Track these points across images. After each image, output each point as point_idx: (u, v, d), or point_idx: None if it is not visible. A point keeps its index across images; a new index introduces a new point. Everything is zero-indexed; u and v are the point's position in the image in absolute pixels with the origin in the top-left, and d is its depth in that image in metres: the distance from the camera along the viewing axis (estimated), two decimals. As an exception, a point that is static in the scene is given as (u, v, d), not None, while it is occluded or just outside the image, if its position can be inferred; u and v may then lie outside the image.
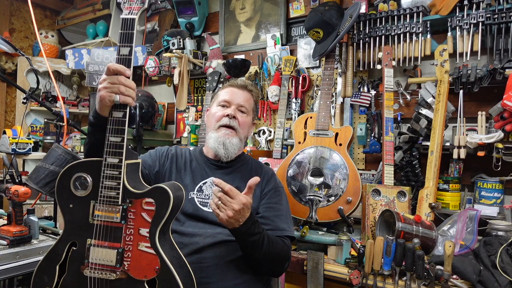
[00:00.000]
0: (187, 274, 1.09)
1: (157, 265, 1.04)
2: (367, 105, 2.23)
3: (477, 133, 1.82)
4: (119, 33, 1.10)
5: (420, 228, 1.52)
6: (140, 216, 1.07)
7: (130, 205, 1.07)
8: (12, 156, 2.42)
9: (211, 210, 1.36)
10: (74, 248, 1.09)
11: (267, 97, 2.61)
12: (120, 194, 1.07)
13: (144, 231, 1.06)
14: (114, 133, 1.08)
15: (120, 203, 1.07)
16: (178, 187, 1.14)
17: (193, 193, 1.41)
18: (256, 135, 2.68)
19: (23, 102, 2.01)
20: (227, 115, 1.45)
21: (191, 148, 1.60)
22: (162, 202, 1.06)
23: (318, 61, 2.45)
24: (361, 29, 2.18)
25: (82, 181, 1.10)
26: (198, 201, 1.40)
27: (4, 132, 2.96)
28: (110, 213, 1.07)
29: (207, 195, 1.41)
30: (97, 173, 1.08)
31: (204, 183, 1.44)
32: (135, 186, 1.09)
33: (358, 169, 1.96)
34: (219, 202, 1.17)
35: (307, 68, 2.52)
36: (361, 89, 2.29)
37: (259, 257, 1.27)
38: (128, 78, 1.09)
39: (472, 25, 1.83)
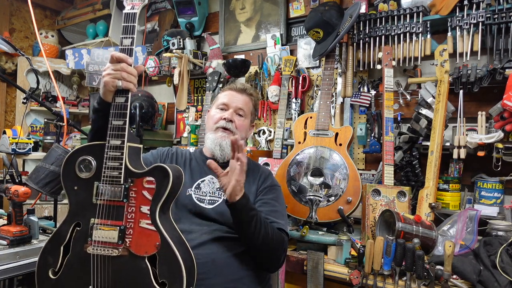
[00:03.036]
0: (187, 252, 1.12)
1: (157, 241, 1.08)
2: (367, 105, 2.23)
3: (477, 133, 1.81)
4: (122, 26, 1.18)
5: (420, 228, 1.52)
6: (141, 194, 1.12)
7: (131, 184, 1.12)
8: (12, 156, 2.42)
9: (208, 206, 1.40)
10: (78, 229, 1.14)
11: (267, 97, 2.61)
12: (122, 173, 1.12)
13: (145, 209, 1.11)
14: (116, 117, 1.14)
15: (122, 182, 1.12)
16: (178, 169, 1.19)
17: (191, 190, 1.44)
18: (256, 135, 2.68)
19: (23, 102, 2.01)
20: (224, 118, 1.49)
21: (192, 149, 1.63)
22: (162, 180, 1.11)
23: (318, 61, 2.45)
24: (361, 29, 2.18)
25: (87, 164, 1.16)
26: (195, 197, 1.42)
27: (4, 132, 2.96)
28: (112, 193, 1.12)
29: (205, 192, 1.43)
30: (101, 156, 1.14)
31: (203, 181, 1.46)
32: (136, 167, 1.15)
33: (358, 169, 1.96)
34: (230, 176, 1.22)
35: (307, 68, 2.52)
36: (361, 89, 2.29)
37: (258, 238, 1.26)
38: (130, 65, 1.16)
39: (472, 25, 1.83)
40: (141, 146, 1.23)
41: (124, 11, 1.19)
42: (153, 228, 1.09)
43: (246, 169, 1.49)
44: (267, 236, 1.28)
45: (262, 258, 1.34)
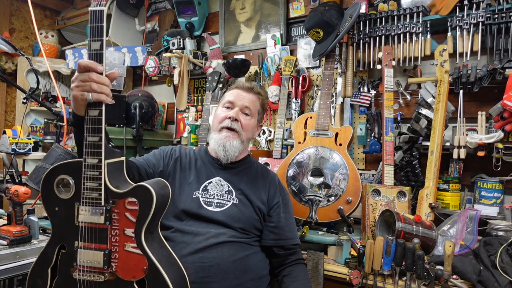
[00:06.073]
0: (178, 272, 1.08)
1: (144, 265, 1.03)
2: (367, 105, 2.23)
3: (477, 133, 1.81)
4: (88, 27, 1.05)
5: (420, 228, 1.52)
6: (124, 216, 1.05)
7: (113, 205, 1.05)
8: (12, 156, 2.42)
9: (216, 209, 1.38)
10: (63, 251, 1.09)
11: (267, 97, 2.61)
12: (103, 195, 1.05)
13: (129, 232, 1.05)
14: (91, 132, 1.05)
15: (103, 204, 1.05)
16: (163, 185, 1.13)
17: (198, 193, 1.41)
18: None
19: (23, 102, 2.01)
20: (229, 117, 1.45)
21: (195, 147, 1.60)
22: (145, 201, 1.04)
23: (318, 61, 2.45)
24: (361, 29, 2.18)
25: (65, 183, 1.09)
26: (203, 200, 1.40)
27: (4, 132, 2.96)
28: (94, 215, 1.06)
29: (212, 195, 1.41)
30: (79, 175, 1.06)
31: (210, 183, 1.44)
32: (118, 186, 1.07)
33: (358, 169, 1.96)
34: None
35: (307, 68, 2.52)
36: (361, 89, 2.29)
37: None
38: (101, 74, 1.03)
39: (472, 25, 1.83)
40: (123, 159, 1.15)
41: (89, 9, 1.05)
42: (139, 251, 1.04)
43: (255, 175, 1.52)
44: None
45: None
